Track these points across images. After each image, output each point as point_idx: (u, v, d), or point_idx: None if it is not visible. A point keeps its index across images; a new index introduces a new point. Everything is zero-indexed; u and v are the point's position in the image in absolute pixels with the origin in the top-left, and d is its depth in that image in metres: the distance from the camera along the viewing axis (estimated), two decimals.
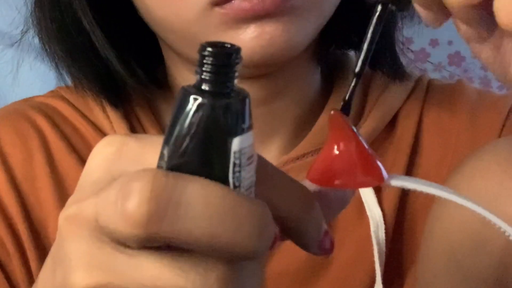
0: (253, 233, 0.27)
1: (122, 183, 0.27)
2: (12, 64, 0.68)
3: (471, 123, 0.61)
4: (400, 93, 0.61)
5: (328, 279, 0.57)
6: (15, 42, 0.63)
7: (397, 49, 0.61)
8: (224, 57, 0.27)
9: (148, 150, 0.29)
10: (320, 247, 0.31)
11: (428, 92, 0.63)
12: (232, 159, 0.27)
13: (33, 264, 0.55)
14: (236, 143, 0.27)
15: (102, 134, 0.59)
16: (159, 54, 0.60)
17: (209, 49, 0.27)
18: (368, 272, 0.56)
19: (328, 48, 0.62)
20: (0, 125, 0.59)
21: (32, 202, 0.56)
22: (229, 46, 0.27)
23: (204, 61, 0.27)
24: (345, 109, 0.34)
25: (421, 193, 0.33)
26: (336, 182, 0.31)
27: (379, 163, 0.32)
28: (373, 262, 0.55)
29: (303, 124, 0.59)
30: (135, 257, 0.27)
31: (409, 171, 0.59)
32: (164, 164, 0.27)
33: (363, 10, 0.59)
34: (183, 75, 0.58)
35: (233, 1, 0.47)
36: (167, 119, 0.61)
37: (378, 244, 0.55)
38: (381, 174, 0.32)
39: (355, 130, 0.32)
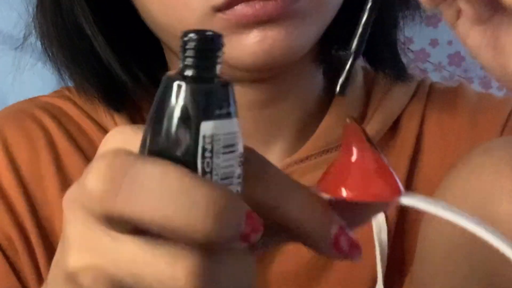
0: (207, 215, 0.26)
1: (90, 163, 0.28)
2: (12, 64, 0.68)
3: (471, 126, 0.61)
4: (403, 95, 0.62)
5: (330, 280, 0.57)
6: (18, 46, 0.63)
7: (398, 49, 0.61)
8: (206, 41, 0.27)
9: None
10: (334, 247, 0.30)
11: (430, 95, 0.63)
12: (201, 143, 0.27)
13: (41, 261, 0.56)
14: (207, 128, 0.27)
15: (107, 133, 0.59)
16: (161, 59, 0.61)
17: (191, 34, 0.27)
18: (370, 274, 0.56)
19: (330, 49, 0.62)
20: (7, 124, 0.60)
21: (39, 200, 0.57)
22: (210, 32, 0.27)
23: (187, 46, 0.27)
24: (342, 88, 0.33)
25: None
26: (348, 193, 0.30)
27: (396, 176, 0.31)
28: (375, 264, 0.56)
29: (307, 126, 0.59)
30: (118, 241, 0.28)
31: (411, 173, 0.60)
32: (144, 150, 0.28)
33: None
34: None
35: (235, 7, 0.48)
36: None
37: (380, 245, 0.56)
38: (398, 187, 0.30)
39: (372, 141, 0.31)
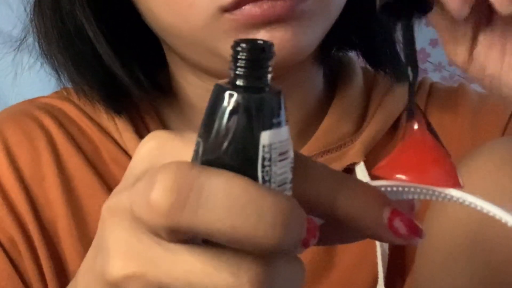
0: (275, 224, 0.26)
1: (150, 174, 0.27)
2: (12, 64, 0.68)
3: (472, 126, 0.61)
4: (403, 96, 0.61)
5: (331, 281, 0.57)
6: (16, 48, 0.62)
7: (398, 49, 0.61)
8: (257, 52, 0.27)
9: (190, 147, 0.29)
10: (392, 232, 0.30)
11: (430, 95, 0.63)
12: (261, 153, 0.27)
13: (44, 262, 0.56)
14: (265, 137, 0.27)
15: (108, 135, 0.60)
16: (160, 59, 0.60)
17: (243, 44, 0.27)
18: (371, 274, 0.56)
19: (330, 50, 0.62)
20: (7, 125, 0.60)
21: (41, 201, 0.57)
22: (261, 41, 0.28)
23: (238, 56, 0.27)
24: (411, 112, 0.33)
25: None
26: (405, 177, 0.30)
27: (455, 167, 0.30)
28: (376, 264, 0.56)
29: (307, 127, 0.59)
30: (171, 251, 0.28)
31: None
32: (198, 160, 0.28)
33: (363, 11, 0.59)
34: (189, 80, 0.59)
35: (243, 7, 0.47)
36: (172, 124, 0.61)
37: (381, 246, 0.56)
38: (456, 177, 0.30)
39: (434, 130, 0.31)
